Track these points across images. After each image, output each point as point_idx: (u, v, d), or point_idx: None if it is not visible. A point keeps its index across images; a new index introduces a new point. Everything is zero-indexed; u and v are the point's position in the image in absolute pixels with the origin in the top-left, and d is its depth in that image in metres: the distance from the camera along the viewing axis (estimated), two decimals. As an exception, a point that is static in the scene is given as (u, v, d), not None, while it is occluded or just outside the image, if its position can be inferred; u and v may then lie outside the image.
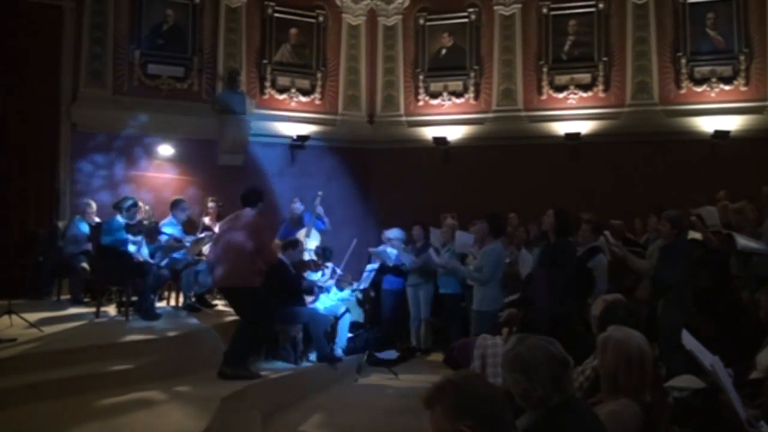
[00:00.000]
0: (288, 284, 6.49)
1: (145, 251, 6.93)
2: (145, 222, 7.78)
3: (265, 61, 10.24)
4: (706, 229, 6.15)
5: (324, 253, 7.92)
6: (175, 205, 7.47)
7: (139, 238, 6.87)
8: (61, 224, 8.16)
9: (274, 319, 5.88)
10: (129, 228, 6.77)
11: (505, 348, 2.23)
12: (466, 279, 6.82)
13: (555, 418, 2.07)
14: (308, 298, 6.80)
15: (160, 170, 9.51)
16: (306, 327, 6.43)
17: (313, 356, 6.54)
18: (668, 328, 4.95)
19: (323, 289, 7.19)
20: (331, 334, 6.95)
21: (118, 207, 6.93)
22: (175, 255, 7.07)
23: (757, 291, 5.45)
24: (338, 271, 7.76)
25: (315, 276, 7.31)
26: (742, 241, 5.63)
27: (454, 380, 1.78)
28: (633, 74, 9.73)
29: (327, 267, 7.73)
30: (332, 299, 7.34)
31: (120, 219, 6.78)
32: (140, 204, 7.60)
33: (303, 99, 10.49)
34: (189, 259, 7.14)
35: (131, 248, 6.73)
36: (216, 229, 7.33)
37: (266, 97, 10.26)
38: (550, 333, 2.39)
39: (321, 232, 8.35)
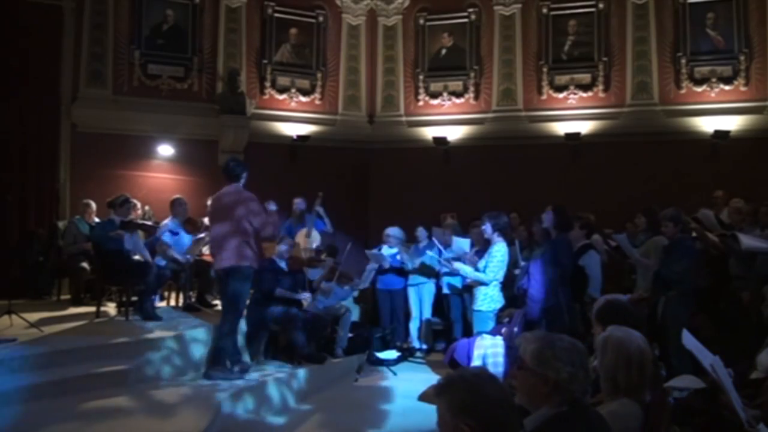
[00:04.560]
0: (261, 285, 6.43)
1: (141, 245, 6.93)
2: (143, 221, 7.79)
3: (265, 61, 10.24)
4: (708, 233, 6.12)
5: (329, 250, 7.89)
6: (174, 204, 7.46)
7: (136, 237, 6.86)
8: (61, 224, 8.17)
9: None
10: (124, 225, 6.76)
11: (527, 335, 2.21)
12: (467, 278, 6.81)
13: (563, 418, 2.05)
14: (305, 295, 6.77)
15: (160, 170, 9.53)
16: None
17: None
18: (674, 326, 4.95)
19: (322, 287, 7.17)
20: (330, 334, 6.95)
21: (111, 205, 6.92)
22: (176, 255, 7.06)
23: (760, 290, 5.46)
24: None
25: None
26: (747, 242, 5.61)
27: (465, 376, 1.76)
28: (633, 74, 9.73)
29: (325, 263, 7.68)
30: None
31: (114, 218, 6.77)
32: (134, 201, 7.60)
33: (303, 99, 10.49)
34: (189, 259, 7.13)
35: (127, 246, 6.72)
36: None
37: (266, 97, 10.26)
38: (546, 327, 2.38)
39: (321, 232, 8.34)
